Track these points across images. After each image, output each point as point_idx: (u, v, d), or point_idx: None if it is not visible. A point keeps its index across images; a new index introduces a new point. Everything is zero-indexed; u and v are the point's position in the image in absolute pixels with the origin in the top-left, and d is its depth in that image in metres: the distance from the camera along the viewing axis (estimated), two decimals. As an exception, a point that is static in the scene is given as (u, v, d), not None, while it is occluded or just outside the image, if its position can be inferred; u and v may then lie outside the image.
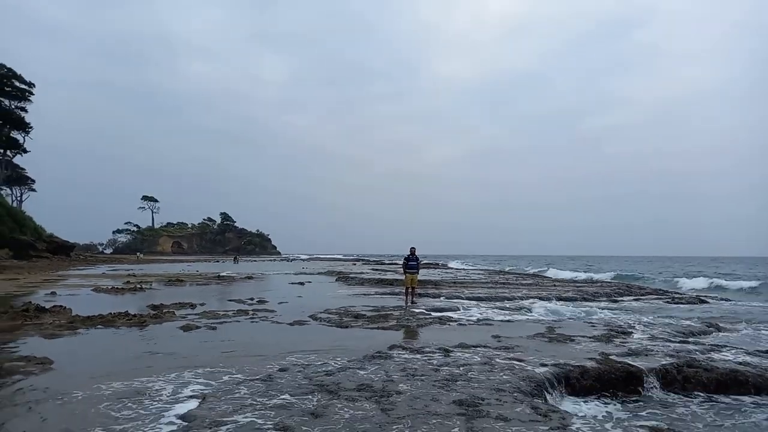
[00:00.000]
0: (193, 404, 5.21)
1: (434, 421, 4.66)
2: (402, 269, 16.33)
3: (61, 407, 5.06)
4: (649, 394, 7.09)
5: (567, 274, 45.28)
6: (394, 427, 4.48)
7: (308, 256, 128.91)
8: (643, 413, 6.09)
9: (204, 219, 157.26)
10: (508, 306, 16.65)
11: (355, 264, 66.00)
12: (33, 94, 68.85)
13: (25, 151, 72.38)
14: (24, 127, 68.99)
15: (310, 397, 5.46)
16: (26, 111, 69.01)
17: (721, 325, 13.07)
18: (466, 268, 61.46)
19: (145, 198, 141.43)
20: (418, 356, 7.74)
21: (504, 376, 6.52)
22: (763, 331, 12.40)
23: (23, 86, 67.64)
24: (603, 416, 5.70)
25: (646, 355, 8.26)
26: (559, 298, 19.73)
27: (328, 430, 4.41)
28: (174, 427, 4.52)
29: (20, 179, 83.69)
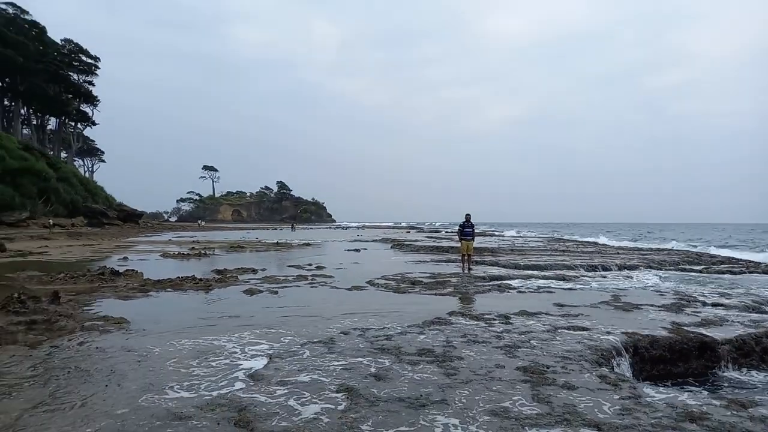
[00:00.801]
0: (259, 364, 5.36)
1: (498, 386, 4.58)
2: (458, 236, 16.12)
3: (139, 363, 5.32)
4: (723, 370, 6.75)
5: (616, 243, 43.32)
6: (458, 390, 4.44)
7: (362, 225, 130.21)
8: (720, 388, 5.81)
9: (261, 188, 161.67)
10: (569, 275, 16.15)
11: (409, 232, 66.07)
12: (99, 68, 71.79)
13: (94, 124, 76.11)
14: (92, 100, 72.38)
15: (372, 359, 5.49)
16: (93, 84, 72.22)
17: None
18: (522, 235, 60.32)
19: (206, 168, 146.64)
20: (479, 323, 7.65)
21: (568, 344, 6.33)
22: None
23: (90, 60, 70.65)
24: (677, 388, 5.44)
25: (721, 325, 7.83)
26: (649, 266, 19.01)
27: (392, 391, 4.42)
28: (243, 384, 4.66)
29: (91, 151, 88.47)
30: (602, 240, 44.74)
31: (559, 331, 7.18)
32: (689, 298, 10.51)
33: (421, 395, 4.30)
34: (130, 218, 61.00)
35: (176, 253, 21.54)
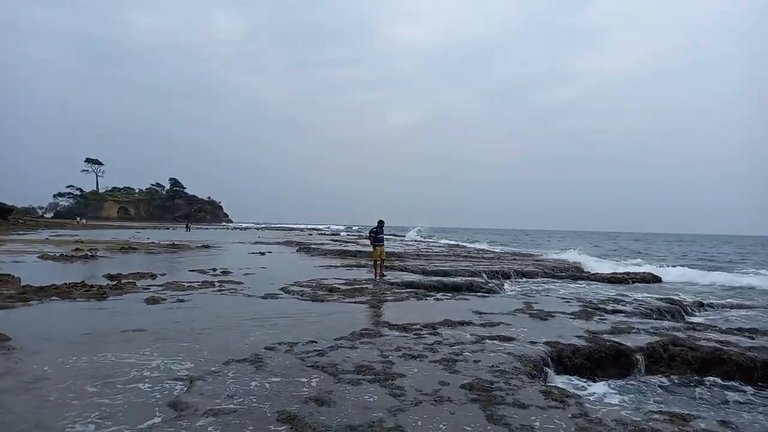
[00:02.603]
0: (179, 388, 4.73)
1: (450, 408, 4.38)
2: (370, 242, 15.93)
3: (28, 393, 4.48)
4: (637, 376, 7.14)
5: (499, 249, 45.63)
6: (410, 415, 4.17)
7: (261, 226, 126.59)
8: (651, 397, 6.10)
9: (152, 184, 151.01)
10: (477, 282, 16.60)
11: (311, 234, 65.07)
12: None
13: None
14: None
15: (308, 380, 5.07)
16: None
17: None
18: (421, 239, 61.69)
19: (88, 160, 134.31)
20: (408, 334, 7.46)
21: (500, 356, 6.33)
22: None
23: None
24: (617, 401, 5.60)
25: (629, 332, 8.30)
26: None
27: (340, 418, 4.05)
28: (164, 416, 4.05)
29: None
30: (484, 246, 46.32)
31: (486, 341, 7.19)
32: (592, 306, 11.14)
33: (374, 422, 3.98)
34: (-3, 213, 54.36)
35: (57, 254, 19.27)
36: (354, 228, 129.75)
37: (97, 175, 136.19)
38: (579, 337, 7.74)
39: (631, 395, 6.17)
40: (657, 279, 21.63)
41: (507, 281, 18.70)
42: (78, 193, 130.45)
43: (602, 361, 7.18)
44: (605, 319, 9.43)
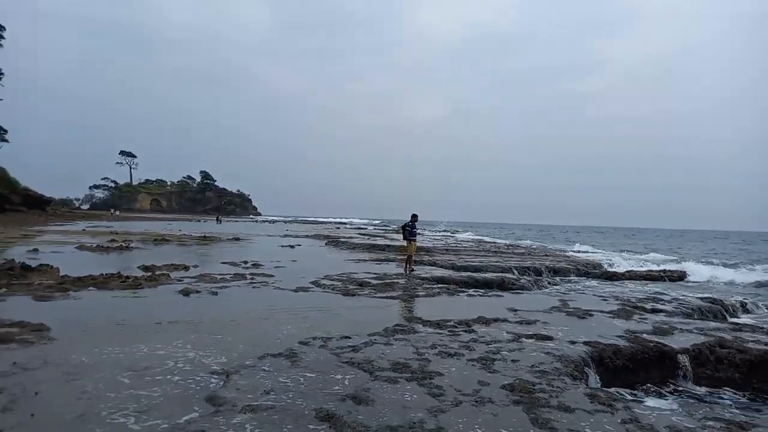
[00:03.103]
0: (215, 382, 4.69)
1: (492, 409, 4.23)
2: (403, 236, 15.77)
3: (67, 384, 4.50)
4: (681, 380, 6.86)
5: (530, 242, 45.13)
6: (451, 416, 4.04)
7: (290, 219, 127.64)
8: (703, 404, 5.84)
9: (184, 177, 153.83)
10: (508, 278, 16.30)
11: (338, 228, 65.27)
12: (3, 38, 65.27)
13: (-3, 99, 69.09)
14: (-6, 73, 65.63)
15: (344, 377, 4.98)
16: (-5, 56, 65.49)
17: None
18: (449, 234, 61.29)
19: (123, 153, 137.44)
20: (442, 331, 7.32)
21: (539, 356, 6.14)
22: None
23: (-7, 29, 64.00)
24: (667, 406, 5.36)
25: (672, 333, 7.99)
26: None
27: (379, 418, 3.95)
28: (202, 411, 4.01)
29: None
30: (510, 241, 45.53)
31: (523, 340, 6.99)
32: (631, 305, 10.79)
33: (414, 423, 3.86)
34: (37, 204, 55.97)
35: (94, 245, 19.70)
36: (376, 222, 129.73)
37: (130, 168, 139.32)
38: (620, 337, 7.48)
39: (681, 400, 5.90)
40: (682, 276, 20.88)
41: (539, 278, 18.35)
42: (113, 185, 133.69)
43: (645, 362, 6.91)
44: (645, 319, 9.11)
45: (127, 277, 10.85)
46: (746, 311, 13.33)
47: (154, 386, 4.51)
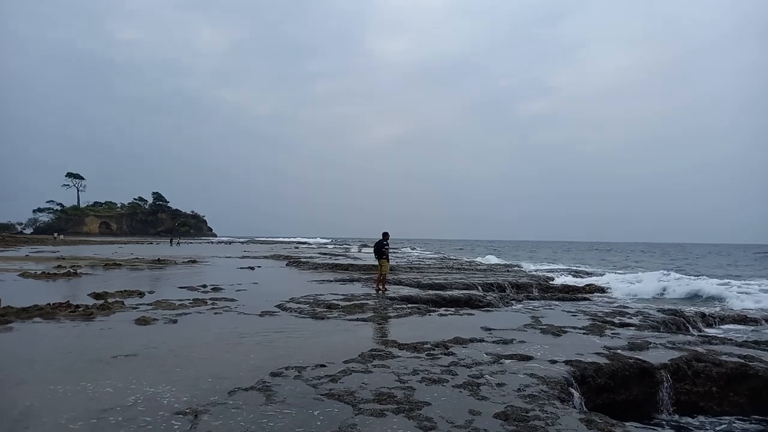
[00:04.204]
0: (183, 424, 4.23)
1: (488, 442, 3.95)
2: (375, 255, 15.39)
3: (12, 435, 3.96)
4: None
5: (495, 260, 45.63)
6: (448, 452, 3.73)
7: (246, 240, 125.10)
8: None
9: (134, 199, 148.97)
10: (475, 295, 16.18)
11: (296, 248, 64.22)
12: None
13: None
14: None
15: (325, 411, 4.60)
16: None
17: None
18: (412, 251, 61.33)
19: (69, 175, 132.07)
20: (420, 355, 7.02)
21: (524, 378, 5.93)
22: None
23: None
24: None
25: (648, 348, 7.96)
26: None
27: (371, 459, 3.60)
28: (170, 461, 3.57)
29: (-76, 150, 75.65)
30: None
31: (504, 361, 6.77)
32: (600, 319, 10.81)
33: (410, 463, 3.54)
34: (-26, 229, 52.72)
35: (39, 272, 18.48)
36: (337, 240, 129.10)
37: (78, 190, 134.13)
38: (598, 354, 7.37)
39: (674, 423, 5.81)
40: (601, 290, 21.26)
41: (503, 294, 18.36)
42: (58, 208, 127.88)
43: (626, 379, 6.82)
44: (618, 334, 9.08)
45: (77, 306, 10.10)
46: (707, 324, 13.66)
47: (113, 433, 4.02)
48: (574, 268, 33.25)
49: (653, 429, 4.82)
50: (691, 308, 15.28)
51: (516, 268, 31.33)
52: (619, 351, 7.61)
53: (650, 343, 8.31)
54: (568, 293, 20.04)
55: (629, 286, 22.14)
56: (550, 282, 22.37)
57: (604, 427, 4.31)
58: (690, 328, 12.55)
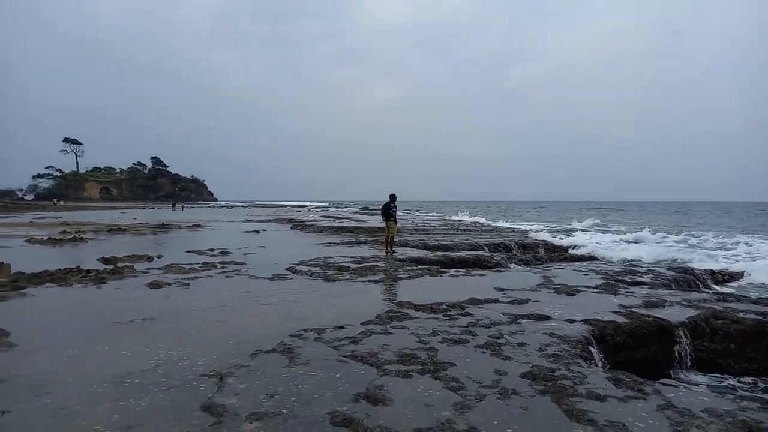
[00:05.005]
0: (209, 387, 4.20)
1: (519, 402, 3.90)
2: (382, 218, 15.31)
3: (38, 398, 3.91)
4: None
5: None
6: (480, 413, 3.68)
7: (245, 204, 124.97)
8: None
9: (134, 163, 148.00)
10: (483, 256, 16.14)
11: (299, 211, 64.12)
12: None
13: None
14: None
15: (350, 373, 4.57)
16: None
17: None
18: (409, 212, 61.16)
19: (67, 140, 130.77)
20: (437, 315, 6.99)
21: (544, 338, 5.90)
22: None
23: None
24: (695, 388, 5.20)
25: (664, 306, 7.93)
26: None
27: (404, 421, 3.56)
28: (200, 422, 3.53)
29: None
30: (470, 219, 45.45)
31: (522, 321, 6.74)
32: (613, 278, 10.77)
33: (443, 424, 3.49)
34: (-25, 196, 52.55)
35: (45, 237, 18.44)
36: (336, 203, 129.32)
37: (76, 155, 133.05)
38: (615, 313, 7.34)
39: (705, 378, 5.81)
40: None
41: (510, 254, 18.33)
42: (58, 174, 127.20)
43: (644, 338, 6.79)
44: (632, 293, 9.05)
45: (88, 271, 10.05)
46: (716, 281, 13.66)
47: (138, 397, 3.98)
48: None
49: (683, 386, 4.77)
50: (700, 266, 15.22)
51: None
52: (635, 309, 7.58)
53: (666, 301, 8.28)
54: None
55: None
56: (556, 243, 22.37)
57: (633, 385, 4.27)
58: (700, 286, 12.57)
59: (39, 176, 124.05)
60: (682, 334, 6.92)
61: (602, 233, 27.71)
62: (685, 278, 12.44)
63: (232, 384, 4.27)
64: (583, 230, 29.20)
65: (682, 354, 6.81)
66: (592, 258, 18.37)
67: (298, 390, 4.13)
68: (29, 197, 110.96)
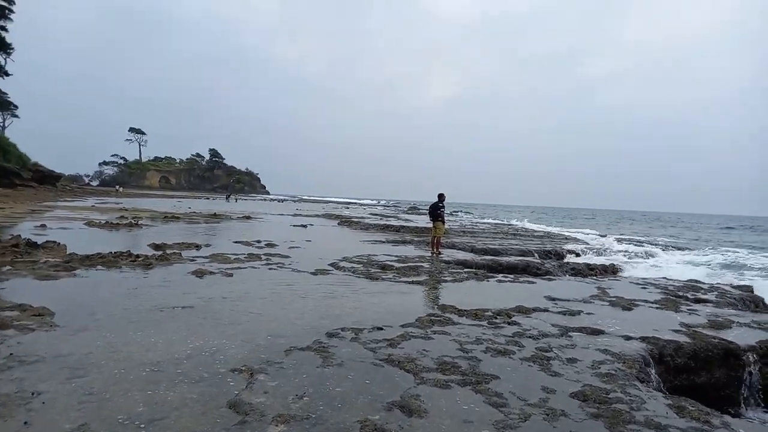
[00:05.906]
0: (239, 382, 4.05)
1: (567, 425, 3.55)
2: (429, 217, 15.01)
3: (72, 384, 3.87)
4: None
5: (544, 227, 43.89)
6: (524, 434, 3.37)
7: (298, 198, 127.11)
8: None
9: (192, 154, 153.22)
10: (533, 262, 15.57)
11: (347, 208, 64.52)
12: (13, 12, 64.19)
13: (7, 74, 68.23)
14: (4, 48, 64.74)
15: (385, 378, 4.32)
16: (6, 30, 64.48)
17: None
18: (459, 214, 60.49)
19: (132, 130, 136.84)
20: (482, 322, 6.64)
21: (597, 354, 5.47)
22: None
23: (2, 3, 62.95)
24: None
25: (730, 327, 7.28)
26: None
27: (439, 436, 3.29)
28: (223, 421, 3.37)
29: (2, 104, 79.77)
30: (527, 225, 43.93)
31: (573, 335, 6.30)
32: (673, 294, 10.07)
33: (482, 443, 3.20)
34: (47, 180, 55.44)
35: (103, 222, 19.15)
36: (383, 202, 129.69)
37: (140, 145, 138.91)
38: (676, 331, 6.77)
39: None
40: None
41: (562, 262, 17.62)
42: (122, 161, 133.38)
43: (708, 360, 6.22)
44: (696, 311, 8.38)
45: (137, 256, 10.25)
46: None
47: (167, 387, 3.87)
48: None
49: (757, 421, 4.27)
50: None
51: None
52: (699, 329, 6.99)
53: (733, 321, 7.60)
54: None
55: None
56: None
57: (699, 415, 3.82)
58: (770, 307, 11.60)
59: (105, 163, 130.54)
60: (751, 359, 6.30)
61: (679, 251, 25.10)
62: (754, 298, 11.51)
63: (262, 381, 4.11)
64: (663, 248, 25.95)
65: (751, 381, 6.20)
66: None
67: (330, 393, 3.92)
68: (95, 183, 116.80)
